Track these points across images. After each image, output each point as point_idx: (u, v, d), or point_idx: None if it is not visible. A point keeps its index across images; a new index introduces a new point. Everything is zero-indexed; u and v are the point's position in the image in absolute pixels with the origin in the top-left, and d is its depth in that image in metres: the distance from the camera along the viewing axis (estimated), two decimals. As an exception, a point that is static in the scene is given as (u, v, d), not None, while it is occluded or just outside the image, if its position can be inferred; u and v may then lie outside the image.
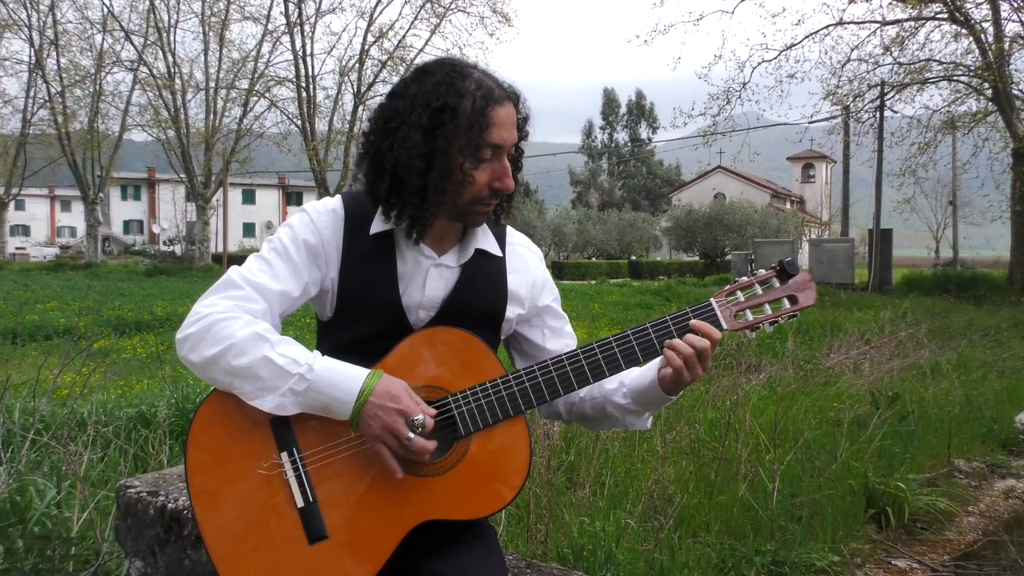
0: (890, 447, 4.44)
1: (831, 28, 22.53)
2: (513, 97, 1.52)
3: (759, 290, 1.56)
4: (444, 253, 1.59)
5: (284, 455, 1.43)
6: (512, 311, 1.65)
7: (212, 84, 32.30)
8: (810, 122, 24.26)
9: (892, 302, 14.87)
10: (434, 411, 1.42)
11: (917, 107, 23.09)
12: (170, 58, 31.96)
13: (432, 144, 1.45)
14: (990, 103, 20.62)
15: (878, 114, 23.00)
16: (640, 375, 1.61)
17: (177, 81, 32.07)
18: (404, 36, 31.70)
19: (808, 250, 27.35)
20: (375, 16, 31.59)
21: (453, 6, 30.71)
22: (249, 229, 62.49)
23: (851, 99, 23.01)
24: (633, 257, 46.54)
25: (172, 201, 53.85)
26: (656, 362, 1.57)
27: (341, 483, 1.44)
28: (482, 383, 1.49)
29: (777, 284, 1.56)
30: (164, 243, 53.79)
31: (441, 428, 1.47)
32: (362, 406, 1.38)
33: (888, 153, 23.60)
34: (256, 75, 32.13)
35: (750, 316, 1.55)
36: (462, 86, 1.46)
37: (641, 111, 76.01)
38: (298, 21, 31.52)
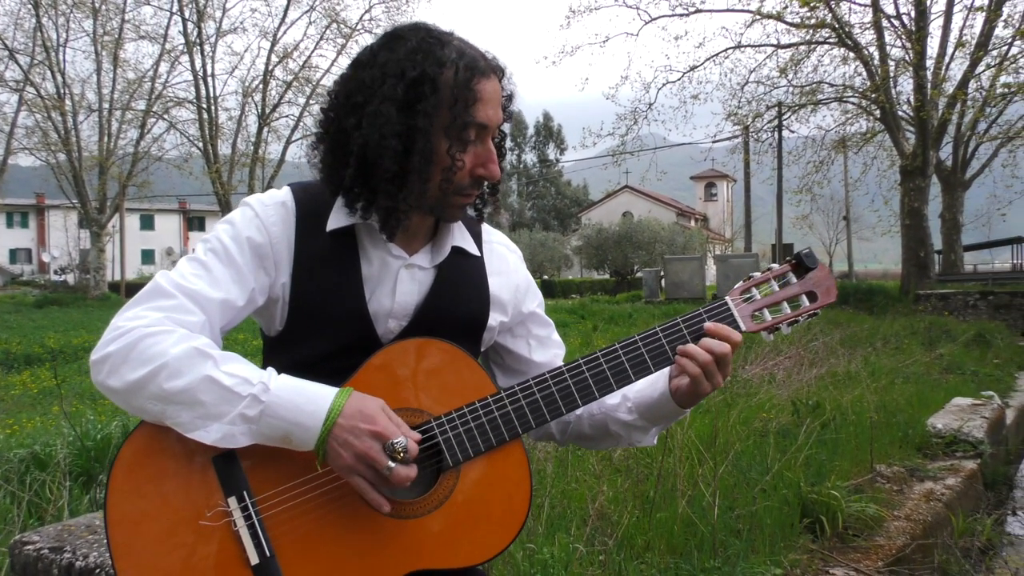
0: (817, 455, 4.49)
1: (730, 51, 23.32)
2: (498, 71, 1.32)
3: (776, 286, 1.42)
4: (415, 252, 1.37)
5: (232, 500, 1.17)
6: (495, 319, 1.44)
7: (106, 105, 30.90)
8: (714, 142, 25.07)
9: (797, 314, 15.39)
10: (418, 435, 1.19)
11: (812, 127, 24.21)
12: (59, 78, 30.39)
13: (410, 121, 1.23)
14: (878, 123, 21.78)
15: (776, 133, 24.02)
16: (647, 387, 1.41)
17: (67, 102, 30.51)
18: (309, 57, 31.29)
19: (715, 266, 28.18)
20: (279, 36, 31.04)
21: (360, 27, 30.46)
22: (148, 256, 59.95)
23: (751, 119, 23.91)
24: (545, 276, 46.88)
25: (64, 228, 51.08)
26: (664, 372, 1.38)
27: (305, 532, 1.19)
28: (470, 403, 1.28)
29: (794, 279, 1.42)
30: (55, 272, 50.94)
31: (424, 459, 1.25)
32: (329, 431, 1.14)
33: (785, 171, 24.66)
34: (154, 96, 30.94)
35: (768, 316, 1.40)
36: (442, 54, 1.26)
37: (549, 132, 77.09)
38: (197, 41, 30.58)
